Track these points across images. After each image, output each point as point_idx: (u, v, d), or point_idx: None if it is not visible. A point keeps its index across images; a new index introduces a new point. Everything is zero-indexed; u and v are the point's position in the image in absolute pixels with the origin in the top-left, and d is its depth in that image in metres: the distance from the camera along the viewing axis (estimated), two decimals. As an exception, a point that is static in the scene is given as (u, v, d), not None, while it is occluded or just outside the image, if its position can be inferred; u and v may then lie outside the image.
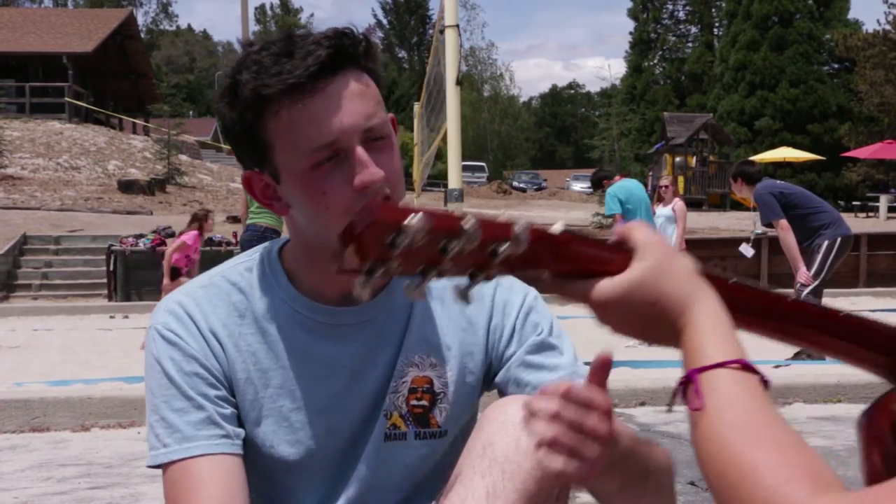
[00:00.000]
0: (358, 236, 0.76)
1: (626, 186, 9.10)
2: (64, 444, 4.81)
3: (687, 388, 0.83)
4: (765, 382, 0.83)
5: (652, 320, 0.89)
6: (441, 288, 1.37)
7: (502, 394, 1.36)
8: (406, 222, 0.75)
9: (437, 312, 1.36)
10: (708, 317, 0.86)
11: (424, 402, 1.33)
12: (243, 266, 1.36)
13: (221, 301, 1.32)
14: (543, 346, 1.36)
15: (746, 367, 0.82)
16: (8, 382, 6.64)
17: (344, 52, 1.20)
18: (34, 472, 4.21)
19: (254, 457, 1.31)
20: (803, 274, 7.06)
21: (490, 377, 1.39)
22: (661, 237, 0.93)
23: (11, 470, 4.26)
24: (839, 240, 7.11)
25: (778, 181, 7.64)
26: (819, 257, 7.09)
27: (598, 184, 9.44)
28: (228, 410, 1.28)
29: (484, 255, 0.80)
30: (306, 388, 1.30)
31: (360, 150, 1.19)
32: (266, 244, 1.39)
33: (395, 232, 0.75)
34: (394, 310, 1.35)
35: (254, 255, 1.38)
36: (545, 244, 0.85)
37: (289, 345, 1.31)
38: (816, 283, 7.07)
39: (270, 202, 1.30)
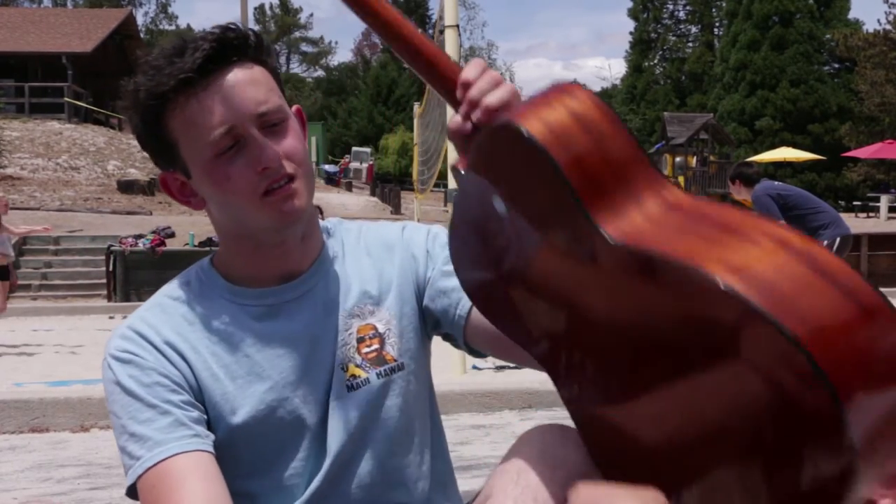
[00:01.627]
0: None
1: None
2: (63, 444, 4.81)
3: None
4: None
5: None
6: (356, 242, 1.49)
7: (436, 314, 1.46)
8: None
9: (364, 263, 1.47)
10: None
11: (376, 346, 1.41)
12: (180, 282, 1.43)
13: (169, 316, 1.37)
14: None
15: None
16: (7, 383, 6.64)
17: (229, 44, 1.28)
18: (34, 473, 4.21)
19: (240, 448, 1.34)
20: None
21: (421, 302, 1.48)
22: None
23: (11, 471, 4.26)
24: (838, 240, 7.13)
25: (776, 182, 7.64)
26: None
27: None
28: (195, 414, 1.31)
29: None
30: (273, 369, 1.36)
31: (256, 134, 1.28)
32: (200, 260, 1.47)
33: None
34: (328, 275, 1.44)
35: (189, 270, 1.46)
36: None
37: (244, 336, 1.37)
38: None
39: (188, 199, 1.37)
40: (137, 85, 1.28)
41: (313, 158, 36.68)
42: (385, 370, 1.40)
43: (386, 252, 1.49)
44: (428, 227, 1.55)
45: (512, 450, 1.21)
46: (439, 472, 1.48)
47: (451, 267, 1.40)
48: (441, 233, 1.51)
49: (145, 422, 1.27)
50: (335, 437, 1.37)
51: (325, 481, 1.36)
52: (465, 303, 1.42)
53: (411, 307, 1.46)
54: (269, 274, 1.40)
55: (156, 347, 1.33)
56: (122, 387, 1.30)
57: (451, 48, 6.06)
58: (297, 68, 74.56)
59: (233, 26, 1.30)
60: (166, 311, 1.38)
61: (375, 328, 1.42)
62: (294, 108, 1.39)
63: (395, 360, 1.41)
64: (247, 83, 1.28)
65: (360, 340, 1.40)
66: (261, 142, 1.27)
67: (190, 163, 1.31)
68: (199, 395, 1.33)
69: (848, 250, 7.33)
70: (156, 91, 1.26)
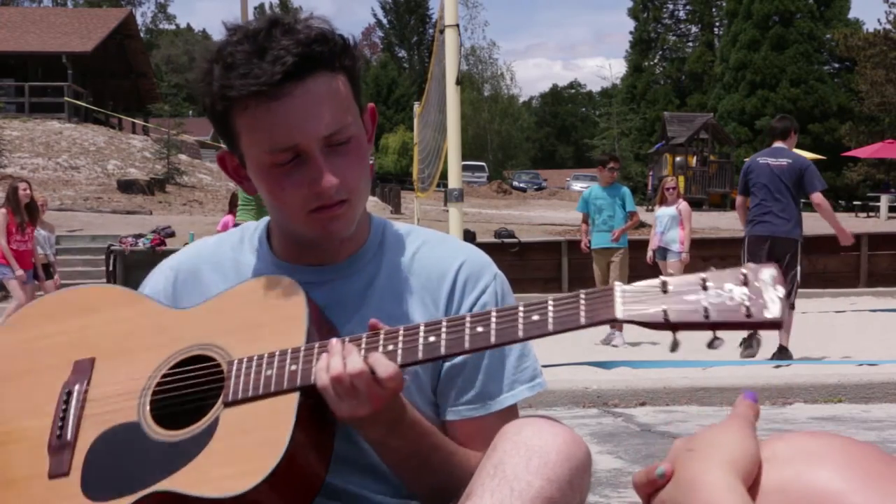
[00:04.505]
0: None
1: (589, 191, 9.39)
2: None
3: None
4: None
5: None
6: (408, 260, 1.42)
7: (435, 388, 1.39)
8: None
9: (400, 285, 1.40)
10: None
11: None
12: (233, 236, 1.52)
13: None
14: None
15: None
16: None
17: (314, 57, 1.24)
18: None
19: None
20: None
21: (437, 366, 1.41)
22: None
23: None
24: (747, 238, 7.17)
25: (762, 160, 7.19)
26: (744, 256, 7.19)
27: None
28: None
29: None
30: None
31: (318, 158, 1.26)
32: None
33: None
34: (354, 277, 1.40)
35: (249, 225, 1.53)
36: None
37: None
38: None
39: (241, 180, 1.39)
40: (212, 71, 1.26)
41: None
42: None
43: (426, 291, 1.40)
44: (489, 279, 1.41)
45: (491, 448, 1.21)
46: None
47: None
48: (495, 299, 1.40)
49: None
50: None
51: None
52: (463, 410, 1.36)
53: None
54: (303, 260, 1.40)
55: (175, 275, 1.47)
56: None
57: (451, 48, 6.05)
58: (297, 68, 74.41)
59: (320, 36, 1.25)
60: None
61: None
62: (368, 106, 1.37)
63: None
64: (321, 100, 1.25)
65: None
66: (320, 166, 1.26)
67: (247, 158, 1.32)
68: None
69: (762, 251, 7.05)
70: (227, 94, 1.24)
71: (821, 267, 13.47)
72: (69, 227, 18.22)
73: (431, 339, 1.19)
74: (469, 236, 13.65)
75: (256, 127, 1.26)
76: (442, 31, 6.53)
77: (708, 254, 15.32)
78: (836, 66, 45.69)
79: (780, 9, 43.89)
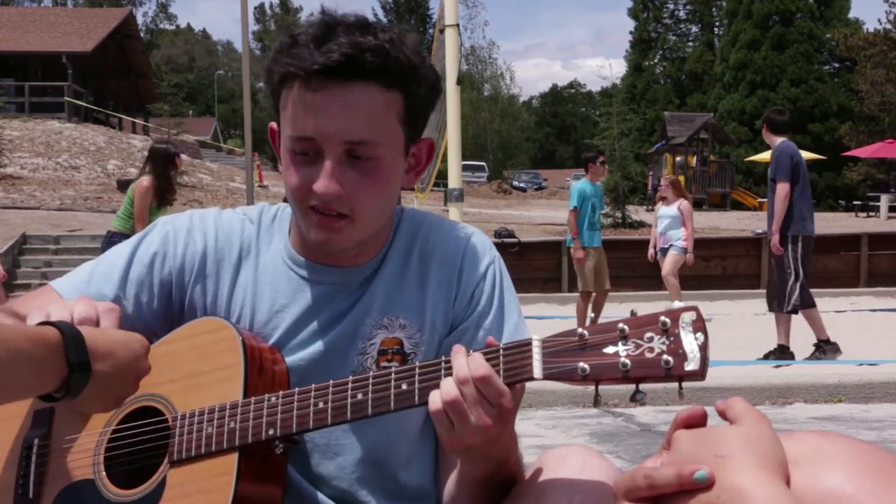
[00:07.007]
0: None
1: (584, 187, 9.05)
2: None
3: None
4: None
5: None
6: (427, 252, 1.39)
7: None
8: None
9: (408, 275, 1.38)
10: None
11: (395, 363, 1.33)
12: (264, 216, 1.47)
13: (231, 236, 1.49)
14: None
15: None
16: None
17: (362, 64, 1.22)
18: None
19: None
20: (775, 245, 7.10)
21: (444, 338, 1.39)
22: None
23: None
24: (803, 238, 7.13)
25: (798, 156, 7.40)
26: (790, 256, 7.13)
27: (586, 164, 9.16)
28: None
29: None
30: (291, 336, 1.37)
31: (329, 160, 1.25)
32: None
33: None
34: (374, 278, 1.38)
35: (280, 207, 1.49)
36: None
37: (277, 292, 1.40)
38: (798, 280, 7.08)
39: (279, 154, 1.36)
40: (274, 47, 1.29)
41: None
42: None
43: (439, 271, 1.39)
44: (489, 262, 1.41)
45: (532, 474, 1.20)
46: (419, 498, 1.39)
47: (487, 322, 1.36)
48: (494, 280, 1.40)
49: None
50: (328, 445, 1.34)
51: (294, 473, 1.33)
52: None
53: (439, 339, 1.37)
54: (309, 251, 1.38)
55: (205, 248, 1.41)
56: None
57: (451, 47, 6.05)
58: (297, 68, 74.49)
59: (379, 48, 1.23)
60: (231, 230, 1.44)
61: (401, 344, 1.34)
62: (424, 141, 1.35)
63: None
64: (352, 107, 1.23)
65: (382, 353, 1.34)
66: (328, 171, 1.25)
67: (281, 134, 1.32)
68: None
69: (809, 251, 7.20)
70: (272, 67, 1.27)
71: (821, 267, 13.45)
72: (69, 226, 18.22)
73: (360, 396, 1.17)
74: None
75: (290, 108, 1.26)
76: (442, 31, 6.52)
77: (708, 254, 15.32)
78: (836, 66, 45.68)
79: (780, 9, 43.88)
